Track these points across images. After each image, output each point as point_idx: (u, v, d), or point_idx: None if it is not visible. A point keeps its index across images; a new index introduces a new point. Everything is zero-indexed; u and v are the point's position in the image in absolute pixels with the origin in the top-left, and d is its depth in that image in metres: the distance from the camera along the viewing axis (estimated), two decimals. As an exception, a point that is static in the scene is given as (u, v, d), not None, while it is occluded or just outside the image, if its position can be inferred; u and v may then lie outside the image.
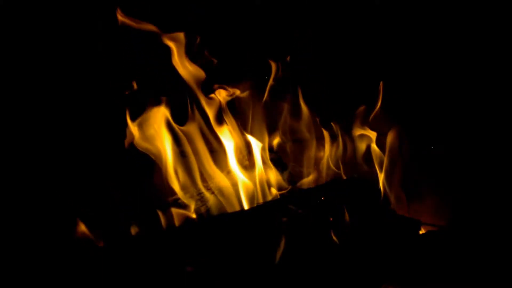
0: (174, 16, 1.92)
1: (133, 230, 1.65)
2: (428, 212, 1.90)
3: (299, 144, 1.96)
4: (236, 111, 1.87)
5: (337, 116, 1.97)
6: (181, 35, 1.74)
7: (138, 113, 1.74)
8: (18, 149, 1.77)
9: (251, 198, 1.78)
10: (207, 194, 1.75)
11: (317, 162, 1.96)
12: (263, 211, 1.64)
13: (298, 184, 1.93)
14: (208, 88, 1.82)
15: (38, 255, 1.64)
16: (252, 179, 1.80)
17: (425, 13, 1.84)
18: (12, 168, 1.75)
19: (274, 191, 1.79)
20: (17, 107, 1.78)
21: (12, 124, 1.78)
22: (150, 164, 1.76)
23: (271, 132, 1.94)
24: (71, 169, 1.82)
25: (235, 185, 1.78)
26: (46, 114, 1.81)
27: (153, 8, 1.89)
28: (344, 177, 1.92)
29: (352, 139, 1.94)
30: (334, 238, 1.59)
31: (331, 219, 1.62)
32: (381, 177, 1.83)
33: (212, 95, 1.81)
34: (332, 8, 2.01)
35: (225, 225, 1.59)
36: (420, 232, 1.73)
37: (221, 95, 1.82)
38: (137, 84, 1.78)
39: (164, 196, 1.75)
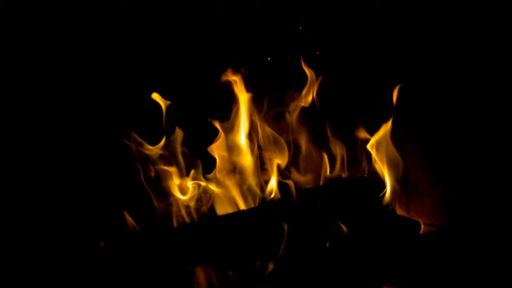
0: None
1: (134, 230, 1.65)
2: (428, 212, 1.89)
3: (298, 144, 1.96)
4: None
5: (337, 116, 1.97)
6: None
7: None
8: (18, 149, 1.77)
9: (251, 198, 1.77)
10: (208, 194, 1.75)
11: (317, 162, 1.95)
12: (263, 211, 1.64)
13: (298, 184, 1.93)
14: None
15: (38, 255, 1.65)
16: (252, 179, 1.80)
17: (426, 15, 1.84)
18: (14, 169, 1.75)
19: (274, 191, 1.79)
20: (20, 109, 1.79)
21: (12, 124, 1.78)
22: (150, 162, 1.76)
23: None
24: (71, 169, 1.81)
25: (235, 185, 1.78)
26: (44, 114, 1.81)
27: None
28: (344, 177, 1.91)
29: (352, 139, 1.94)
30: (335, 238, 1.60)
31: (331, 219, 1.62)
32: (386, 176, 1.82)
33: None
34: (332, 10, 2.02)
35: (225, 225, 1.59)
36: (420, 232, 1.73)
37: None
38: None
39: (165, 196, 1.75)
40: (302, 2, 2.04)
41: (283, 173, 1.88)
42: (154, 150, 1.76)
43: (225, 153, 1.80)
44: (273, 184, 1.80)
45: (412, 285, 1.55)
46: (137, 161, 1.74)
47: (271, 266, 1.51)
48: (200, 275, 1.48)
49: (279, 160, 1.84)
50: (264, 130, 1.87)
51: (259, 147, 1.86)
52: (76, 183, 1.81)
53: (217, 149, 1.79)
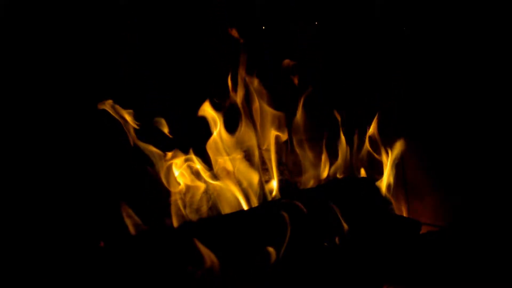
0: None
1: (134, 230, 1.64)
2: (428, 212, 1.90)
3: (299, 143, 1.96)
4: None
5: (338, 115, 1.97)
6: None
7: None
8: (18, 148, 1.77)
9: (251, 198, 1.77)
10: (208, 194, 1.75)
11: (317, 162, 1.95)
12: (264, 211, 1.64)
13: (298, 183, 1.93)
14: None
15: (38, 255, 1.65)
16: (252, 179, 1.79)
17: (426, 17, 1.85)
18: (13, 167, 1.75)
19: (274, 191, 1.79)
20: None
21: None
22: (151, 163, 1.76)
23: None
24: (70, 168, 1.81)
25: (234, 185, 1.77)
26: (44, 114, 1.81)
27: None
28: (344, 177, 1.92)
29: (352, 139, 1.94)
30: (335, 238, 1.59)
31: (331, 219, 1.62)
32: (385, 177, 1.83)
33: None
34: (333, 10, 2.02)
35: (225, 226, 1.59)
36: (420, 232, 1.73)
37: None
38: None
39: (164, 196, 1.75)
40: (302, 2, 2.04)
41: (283, 173, 1.89)
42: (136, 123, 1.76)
43: (217, 119, 1.78)
44: (273, 184, 1.80)
45: (412, 285, 1.55)
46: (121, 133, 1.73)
47: (271, 266, 1.51)
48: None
49: (277, 133, 1.84)
50: (262, 105, 1.86)
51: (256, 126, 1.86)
52: (76, 182, 1.81)
53: (207, 112, 1.78)
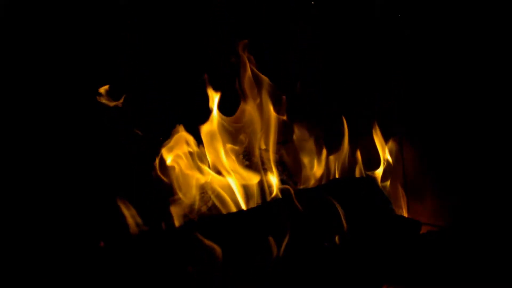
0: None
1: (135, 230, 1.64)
2: (428, 212, 1.90)
3: (299, 143, 1.96)
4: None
5: (339, 116, 1.97)
6: None
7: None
8: (17, 148, 1.77)
9: (251, 198, 1.77)
10: (208, 194, 1.75)
11: (317, 161, 1.95)
12: (264, 211, 1.64)
13: (298, 183, 1.93)
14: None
15: (38, 255, 1.65)
16: (252, 179, 1.79)
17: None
18: (13, 167, 1.75)
19: (274, 191, 1.79)
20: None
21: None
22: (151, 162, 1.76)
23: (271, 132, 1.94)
24: (69, 168, 1.82)
25: (234, 186, 1.77)
26: (45, 114, 1.81)
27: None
28: (344, 177, 1.92)
29: (352, 139, 1.94)
30: (335, 238, 1.60)
31: (331, 219, 1.62)
32: (381, 177, 1.84)
33: None
34: (333, 10, 2.02)
35: (225, 226, 1.59)
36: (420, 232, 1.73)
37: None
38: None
39: (165, 196, 1.75)
40: (302, 2, 2.04)
41: (282, 173, 1.89)
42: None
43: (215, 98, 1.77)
44: (273, 184, 1.80)
45: (412, 285, 1.55)
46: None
47: (271, 266, 1.51)
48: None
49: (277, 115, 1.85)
50: (257, 74, 1.86)
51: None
52: (76, 181, 1.81)
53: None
